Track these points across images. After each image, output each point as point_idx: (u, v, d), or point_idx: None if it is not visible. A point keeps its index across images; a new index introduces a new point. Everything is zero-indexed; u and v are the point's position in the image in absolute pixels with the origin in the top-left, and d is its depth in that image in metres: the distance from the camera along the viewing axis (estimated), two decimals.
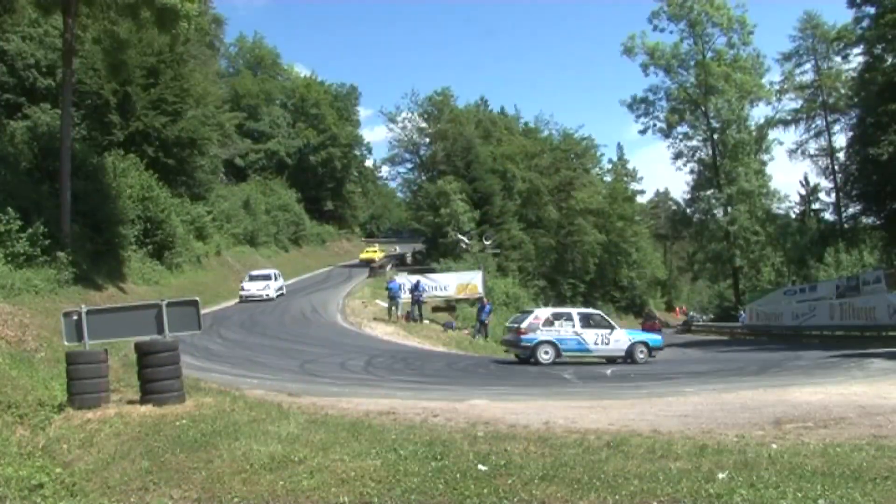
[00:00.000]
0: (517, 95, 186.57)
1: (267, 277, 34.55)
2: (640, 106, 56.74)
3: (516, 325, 18.76)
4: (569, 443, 6.66)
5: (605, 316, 20.21)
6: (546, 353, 17.95)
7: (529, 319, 18.44)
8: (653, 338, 19.93)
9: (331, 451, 6.29)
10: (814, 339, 28.47)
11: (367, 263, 51.73)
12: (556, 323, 18.40)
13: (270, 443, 6.62)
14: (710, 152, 54.43)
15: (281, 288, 35.43)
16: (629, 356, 18.45)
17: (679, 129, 55.86)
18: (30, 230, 18.14)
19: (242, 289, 32.98)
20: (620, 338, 18.77)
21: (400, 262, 54.93)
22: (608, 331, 18.73)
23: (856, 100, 42.37)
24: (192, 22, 22.23)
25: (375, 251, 60.05)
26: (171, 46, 30.89)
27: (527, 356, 18.18)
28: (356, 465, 5.81)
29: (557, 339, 18.14)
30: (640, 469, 5.53)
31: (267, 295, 32.84)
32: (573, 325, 18.38)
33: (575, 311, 19.50)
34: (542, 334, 18.10)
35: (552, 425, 7.79)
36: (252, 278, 34.21)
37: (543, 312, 19.24)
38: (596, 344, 18.36)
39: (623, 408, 9.44)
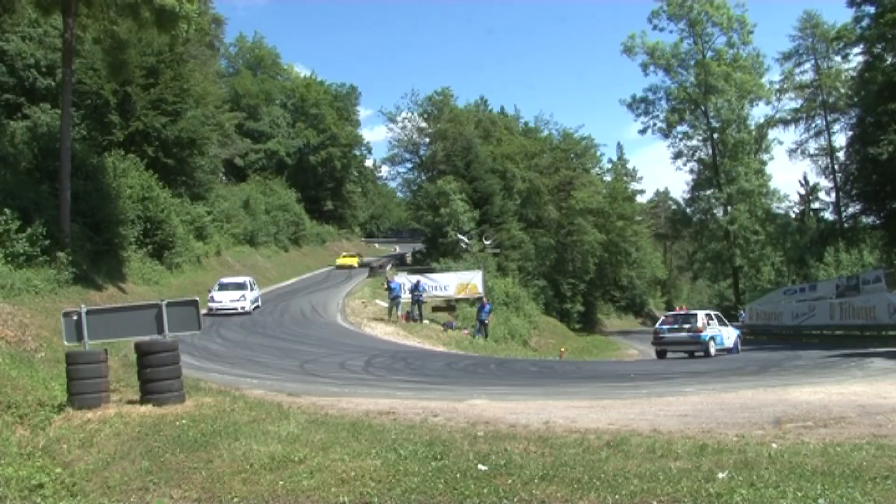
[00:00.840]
0: (517, 95, 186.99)
1: (241, 286, 29.01)
2: (639, 105, 56.88)
3: (689, 325, 21.86)
4: (569, 442, 6.66)
5: (722, 316, 24.72)
6: (712, 347, 21.43)
7: (701, 320, 21.80)
8: (738, 332, 24.50)
9: (331, 451, 6.29)
10: (814, 338, 28.50)
11: (362, 268, 49.23)
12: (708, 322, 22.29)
13: (270, 443, 6.62)
14: (710, 152, 54.49)
15: (256, 299, 29.86)
16: (735, 347, 22.81)
17: (679, 128, 56.01)
18: (29, 230, 18.13)
19: (212, 299, 27.24)
20: (731, 334, 23.06)
21: (400, 262, 54.98)
22: (728, 328, 23.22)
23: (855, 99, 42.41)
24: (191, 23, 22.22)
25: (354, 256, 55.06)
26: (171, 46, 30.90)
27: (697, 351, 21.64)
28: (356, 464, 5.81)
29: (714, 335, 21.81)
30: (640, 469, 5.53)
31: (243, 308, 27.55)
32: (716, 324, 22.41)
33: (713, 313, 23.87)
34: (709, 332, 21.66)
35: (552, 425, 7.79)
36: (223, 287, 28.69)
37: (702, 313, 22.80)
38: (726, 338, 22.37)
39: (623, 407, 9.44)
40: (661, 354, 22.96)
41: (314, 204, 66.39)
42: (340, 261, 53.77)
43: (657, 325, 24.20)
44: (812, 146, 53.39)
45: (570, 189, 60.67)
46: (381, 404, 9.53)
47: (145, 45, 30.95)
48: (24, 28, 29.55)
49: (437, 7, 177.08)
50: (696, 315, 22.37)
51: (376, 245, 78.42)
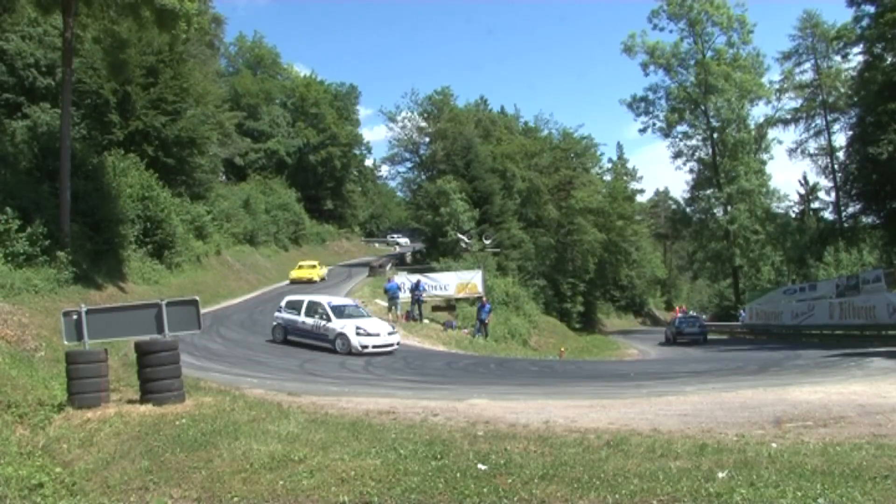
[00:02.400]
0: (517, 95, 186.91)
1: (360, 311, 21.81)
2: (639, 105, 56.84)
3: (698, 323, 35.64)
4: (569, 442, 6.67)
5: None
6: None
7: (702, 320, 36.87)
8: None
9: (331, 451, 6.29)
10: (813, 338, 28.48)
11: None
12: None
13: (270, 442, 6.62)
14: (710, 151, 54.47)
15: None
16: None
17: (679, 128, 55.97)
18: (30, 230, 18.12)
19: (362, 331, 19.29)
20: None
21: (400, 262, 54.96)
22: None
23: (855, 99, 42.37)
24: (191, 23, 22.19)
25: (314, 267, 42.40)
26: (171, 46, 30.87)
27: (701, 339, 33.81)
28: (356, 464, 5.81)
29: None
30: (640, 468, 5.53)
31: (398, 343, 20.41)
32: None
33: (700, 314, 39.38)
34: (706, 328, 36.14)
35: (552, 424, 7.79)
36: (348, 313, 20.74)
37: (701, 315, 37.05)
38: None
39: (623, 407, 9.45)
40: (677, 343, 34.01)
41: (314, 203, 66.38)
42: (296, 273, 41.13)
43: (676, 323, 36.70)
44: (812, 146, 53.43)
45: (569, 188, 60.64)
46: (381, 404, 9.54)
47: (145, 44, 30.92)
48: (24, 27, 29.52)
49: (437, 7, 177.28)
50: (698, 317, 38.36)
51: (376, 245, 78.42)
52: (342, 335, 19.27)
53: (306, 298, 21.59)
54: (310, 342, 19.86)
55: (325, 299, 21.91)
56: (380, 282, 36.93)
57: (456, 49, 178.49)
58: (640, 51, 54.41)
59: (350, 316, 20.48)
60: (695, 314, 42.63)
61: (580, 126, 78.03)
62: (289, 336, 20.52)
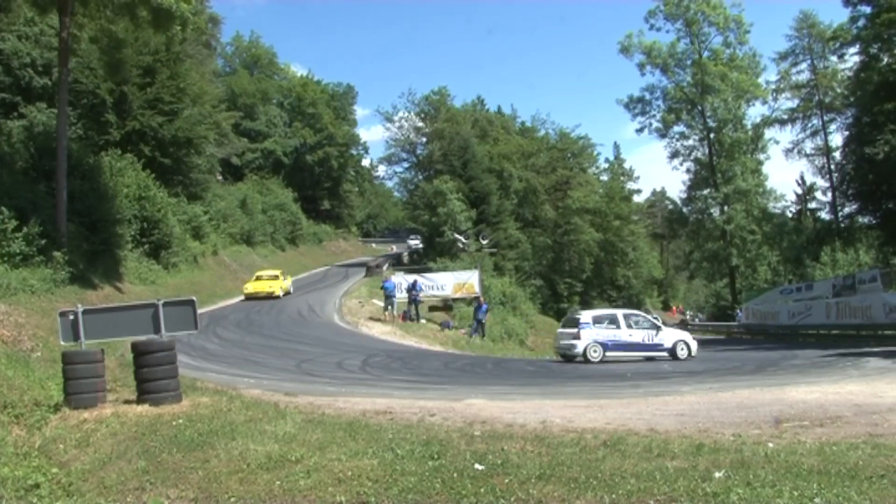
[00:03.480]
0: (514, 95, 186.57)
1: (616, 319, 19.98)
2: (636, 105, 56.79)
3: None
4: (566, 442, 6.67)
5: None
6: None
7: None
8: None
9: (328, 451, 6.28)
10: (810, 337, 28.53)
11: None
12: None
13: (267, 442, 6.62)
14: (707, 152, 54.50)
15: None
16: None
17: (676, 128, 55.92)
18: (26, 230, 18.09)
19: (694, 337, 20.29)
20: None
21: (397, 262, 54.97)
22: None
23: (852, 99, 42.38)
24: (187, 24, 22.17)
25: (277, 279, 35.09)
26: (168, 46, 30.89)
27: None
28: (353, 464, 5.81)
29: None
30: (637, 468, 5.53)
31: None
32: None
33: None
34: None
35: (549, 424, 7.79)
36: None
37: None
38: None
39: (620, 407, 9.45)
40: None
41: (311, 203, 66.36)
42: (252, 286, 33.79)
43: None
44: (808, 146, 53.50)
45: (566, 188, 60.74)
46: (378, 404, 9.53)
47: (142, 44, 30.88)
48: (21, 27, 29.50)
49: (436, 7, 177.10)
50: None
51: (373, 245, 78.44)
52: (684, 342, 19.72)
53: (619, 312, 21.05)
54: (636, 355, 19.30)
55: (635, 311, 22.99)
56: (377, 282, 36.95)
57: (455, 49, 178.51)
58: (636, 51, 54.39)
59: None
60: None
61: (577, 126, 78.57)
62: (607, 353, 19.19)
